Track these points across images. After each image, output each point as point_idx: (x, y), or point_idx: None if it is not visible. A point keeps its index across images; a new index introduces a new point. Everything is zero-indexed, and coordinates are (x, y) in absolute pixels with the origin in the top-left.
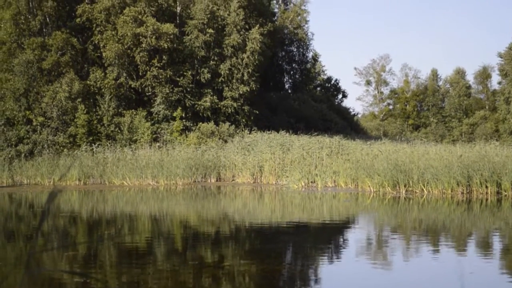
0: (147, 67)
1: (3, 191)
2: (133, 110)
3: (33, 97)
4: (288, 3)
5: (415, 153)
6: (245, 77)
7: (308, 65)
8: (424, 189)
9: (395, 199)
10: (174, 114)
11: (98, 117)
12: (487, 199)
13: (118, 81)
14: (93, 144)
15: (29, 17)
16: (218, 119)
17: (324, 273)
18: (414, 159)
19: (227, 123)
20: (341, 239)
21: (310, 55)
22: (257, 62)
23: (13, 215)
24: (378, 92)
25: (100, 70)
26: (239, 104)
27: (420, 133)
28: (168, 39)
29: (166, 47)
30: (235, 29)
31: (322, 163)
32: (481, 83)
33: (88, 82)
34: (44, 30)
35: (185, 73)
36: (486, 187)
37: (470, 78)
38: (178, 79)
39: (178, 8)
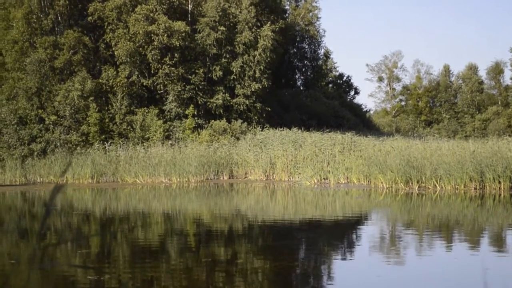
0: (159, 65)
1: (16, 190)
2: (145, 108)
3: (46, 96)
4: (299, 0)
5: (427, 149)
6: (257, 74)
7: (320, 62)
8: (437, 185)
9: (408, 195)
10: (186, 112)
11: (111, 115)
12: (500, 195)
13: (130, 79)
14: (105, 142)
15: (41, 16)
16: (230, 117)
17: (338, 269)
18: (427, 155)
19: (239, 121)
20: (354, 236)
21: (321, 52)
22: (268, 59)
23: (26, 213)
24: (390, 89)
25: (112, 69)
26: (251, 101)
27: (433, 129)
28: (180, 37)
29: (178, 45)
30: (246, 26)
31: (335, 160)
32: (494, 78)
33: (100, 80)
34: (56, 29)
35: (197, 71)
36: (499, 182)
37: (482, 73)
38: (190, 76)
39: (189, 5)
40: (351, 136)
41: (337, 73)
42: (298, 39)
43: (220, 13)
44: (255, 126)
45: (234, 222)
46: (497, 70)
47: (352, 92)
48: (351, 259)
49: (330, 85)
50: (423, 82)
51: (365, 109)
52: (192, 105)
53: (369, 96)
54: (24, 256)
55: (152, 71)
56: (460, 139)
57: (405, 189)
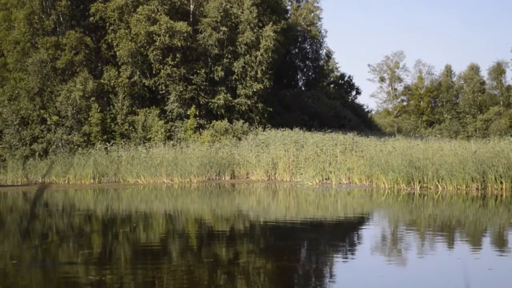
0: (161, 66)
1: (18, 190)
2: (147, 109)
3: (47, 96)
4: (301, 0)
5: (429, 149)
6: (259, 75)
7: (321, 62)
8: (439, 186)
9: (410, 196)
10: (188, 112)
11: (112, 115)
12: (502, 195)
13: (132, 80)
14: (107, 143)
15: (43, 16)
16: (231, 117)
17: (340, 269)
18: (429, 155)
19: (241, 121)
20: (356, 236)
21: (323, 52)
22: (270, 59)
23: (28, 214)
24: (392, 89)
25: (114, 69)
26: (253, 101)
27: (434, 130)
28: (181, 38)
29: (179, 46)
30: (248, 26)
31: (336, 160)
32: (495, 78)
33: (102, 80)
34: (57, 29)
35: (198, 71)
36: (501, 183)
37: (484, 73)
38: (191, 77)
39: (191, 6)
40: (353, 136)
41: (339, 74)
42: (299, 39)
43: (222, 14)
44: (257, 126)
45: (236, 222)
46: (498, 71)
47: (354, 92)
48: (353, 259)
49: (332, 85)
50: (425, 82)
51: (366, 110)
52: (193, 106)
53: (370, 97)
54: (25, 256)
55: (153, 72)
56: (462, 139)
57: (407, 189)
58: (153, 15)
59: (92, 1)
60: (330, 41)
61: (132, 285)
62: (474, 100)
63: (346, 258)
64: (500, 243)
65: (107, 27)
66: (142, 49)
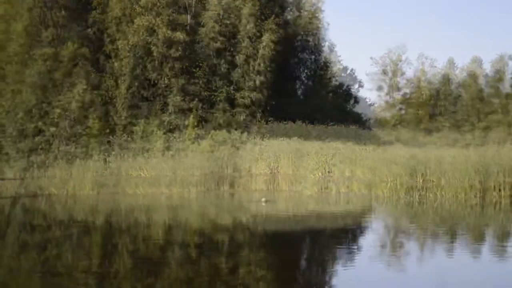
0: (159, 76)
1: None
2: (145, 119)
3: (45, 107)
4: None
5: (428, 157)
6: (261, 68)
7: (324, 56)
8: (438, 193)
9: (409, 204)
10: (187, 123)
11: (111, 126)
12: (501, 202)
13: (130, 91)
14: (105, 154)
15: (41, 28)
16: (230, 127)
17: (340, 277)
18: (428, 164)
19: (239, 130)
20: (356, 244)
21: (326, 44)
22: (273, 52)
23: (27, 226)
24: (390, 98)
25: (112, 80)
26: (255, 94)
27: (433, 138)
28: (179, 48)
29: (177, 56)
30: (250, 19)
31: (336, 169)
32: (493, 87)
33: (100, 92)
34: (55, 41)
35: (196, 81)
36: (500, 190)
37: (487, 66)
38: (190, 87)
39: (188, 16)
40: (351, 144)
41: (337, 83)
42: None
43: (224, 6)
44: (259, 120)
45: (235, 232)
46: (501, 63)
47: (352, 101)
48: (352, 266)
49: (330, 95)
50: (427, 75)
51: (364, 118)
52: (192, 116)
53: (369, 106)
54: (24, 267)
55: (151, 82)
56: (462, 147)
57: (406, 197)
58: (150, 25)
59: (90, 12)
60: (332, 35)
61: None
62: (473, 108)
63: (346, 266)
64: (499, 249)
65: (104, 39)
66: (140, 60)
